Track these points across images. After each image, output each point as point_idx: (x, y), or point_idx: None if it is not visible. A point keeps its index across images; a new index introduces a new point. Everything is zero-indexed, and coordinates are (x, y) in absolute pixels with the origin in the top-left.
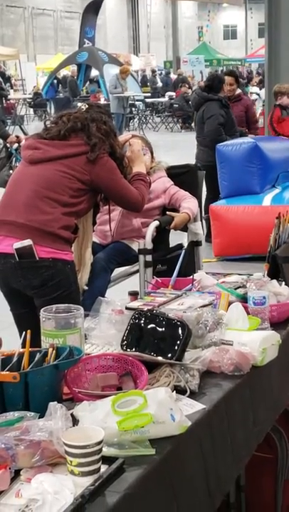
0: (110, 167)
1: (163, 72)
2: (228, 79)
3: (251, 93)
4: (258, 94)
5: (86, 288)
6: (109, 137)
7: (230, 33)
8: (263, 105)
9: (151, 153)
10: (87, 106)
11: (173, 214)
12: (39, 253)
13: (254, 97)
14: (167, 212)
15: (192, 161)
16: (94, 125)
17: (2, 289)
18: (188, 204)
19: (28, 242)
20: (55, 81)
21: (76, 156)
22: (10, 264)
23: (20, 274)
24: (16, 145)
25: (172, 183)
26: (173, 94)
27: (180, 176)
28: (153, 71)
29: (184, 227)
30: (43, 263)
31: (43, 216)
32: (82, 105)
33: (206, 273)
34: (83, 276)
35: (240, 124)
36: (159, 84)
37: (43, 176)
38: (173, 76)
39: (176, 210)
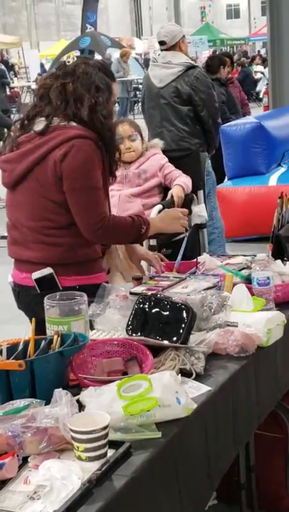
0: (79, 160)
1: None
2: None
3: (256, 72)
4: (262, 73)
5: None
6: (86, 96)
7: (233, 12)
8: (267, 84)
9: (141, 136)
10: (75, 59)
11: (173, 192)
12: (62, 282)
13: (259, 75)
14: (168, 193)
15: None
16: (57, 86)
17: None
18: (181, 179)
19: (48, 270)
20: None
21: (42, 161)
22: (31, 296)
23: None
24: None
25: (167, 159)
26: None
27: (182, 158)
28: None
29: (189, 210)
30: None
31: (55, 250)
32: (65, 58)
33: (211, 255)
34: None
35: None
36: None
37: (25, 205)
38: None
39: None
